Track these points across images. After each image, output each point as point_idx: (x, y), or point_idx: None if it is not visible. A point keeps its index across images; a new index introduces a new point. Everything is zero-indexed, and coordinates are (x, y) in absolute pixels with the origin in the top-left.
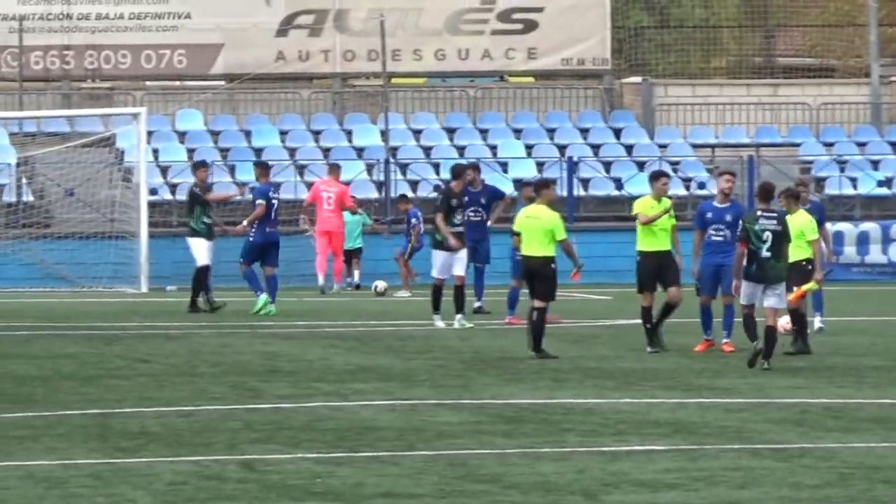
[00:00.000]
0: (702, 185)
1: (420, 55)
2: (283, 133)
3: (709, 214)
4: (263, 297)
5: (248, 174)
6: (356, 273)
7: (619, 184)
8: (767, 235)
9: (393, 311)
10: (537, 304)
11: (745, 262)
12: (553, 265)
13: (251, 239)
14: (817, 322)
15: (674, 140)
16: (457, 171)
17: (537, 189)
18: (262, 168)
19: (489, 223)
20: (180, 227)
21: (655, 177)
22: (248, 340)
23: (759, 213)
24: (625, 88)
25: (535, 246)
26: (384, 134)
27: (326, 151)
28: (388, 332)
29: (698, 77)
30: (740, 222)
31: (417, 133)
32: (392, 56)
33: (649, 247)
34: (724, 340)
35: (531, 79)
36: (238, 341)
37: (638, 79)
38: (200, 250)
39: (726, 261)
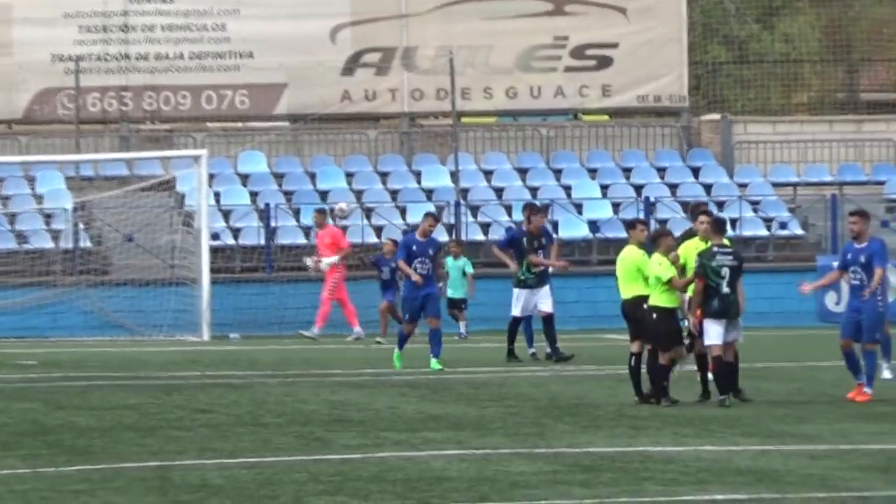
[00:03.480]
0: (783, 226)
1: (490, 93)
2: (349, 175)
3: (848, 255)
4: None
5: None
6: (462, 324)
7: None
8: (725, 271)
9: (466, 358)
10: (633, 348)
11: (705, 300)
12: (646, 305)
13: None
14: (886, 372)
15: (754, 179)
16: (535, 209)
17: (654, 239)
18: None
19: (561, 264)
20: (243, 273)
21: (632, 225)
22: (314, 389)
23: (715, 249)
24: (703, 126)
25: (623, 287)
26: (454, 175)
27: (394, 194)
28: (461, 379)
29: (779, 113)
30: (696, 257)
31: (488, 174)
32: (462, 94)
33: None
34: (864, 389)
35: (606, 117)
36: (303, 390)
37: (716, 116)
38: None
39: (864, 305)
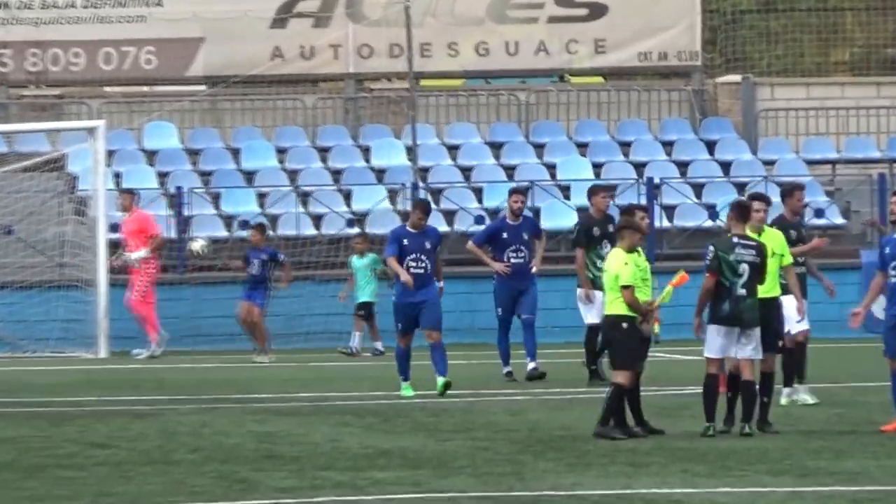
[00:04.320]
0: (819, 213)
1: (456, 50)
2: (280, 151)
3: (887, 249)
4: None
5: (236, 204)
6: (357, 336)
7: (713, 212)
8: (744, 268)
9: (422, 379)
10: (618, 379)
11: (714, 301)
12: (625, 324)
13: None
14: None
15: (783, 155)
16: (593, 190)
17: (618, 229)
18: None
19: (533, 268)
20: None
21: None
22: (237, 418)
23: (735, 239)
24: (720, 90)
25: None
26: (411, 151)
27: (337, 174)
28: (417, 404)
29: (814, 74)
30: (711, 249)
31: (454, 149)
32: (421, 51)
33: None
34: None
35: (599, 79)
36: (224, 419)
37: (736, 77)
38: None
39: None
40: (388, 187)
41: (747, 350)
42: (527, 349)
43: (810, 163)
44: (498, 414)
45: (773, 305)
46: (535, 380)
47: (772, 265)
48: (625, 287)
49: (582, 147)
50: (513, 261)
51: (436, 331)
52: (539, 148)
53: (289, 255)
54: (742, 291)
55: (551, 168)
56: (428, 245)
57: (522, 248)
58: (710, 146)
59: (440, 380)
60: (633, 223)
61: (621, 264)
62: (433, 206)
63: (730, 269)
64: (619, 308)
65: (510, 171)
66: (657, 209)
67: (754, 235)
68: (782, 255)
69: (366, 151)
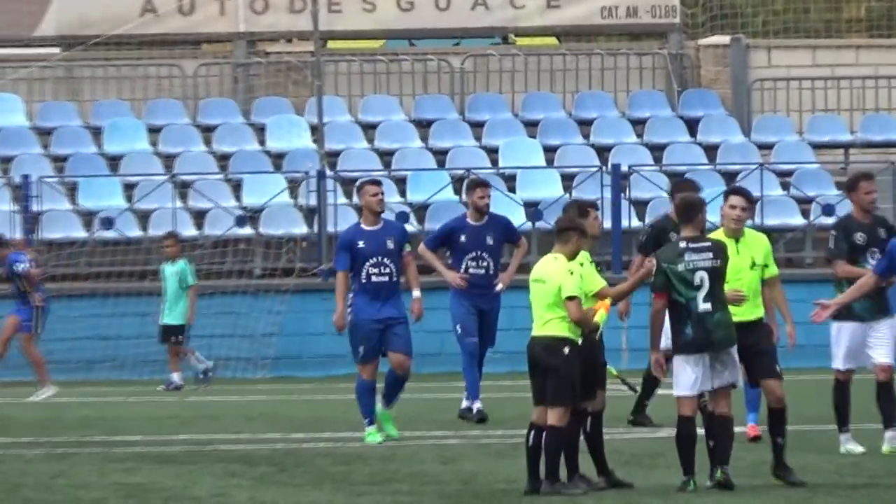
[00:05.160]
0: (829, 210)
1: (373, 4)
2: (153, 131)
3: None
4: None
5: (97, 197)
6: (177, 375)
7: None
8: (701, 277)
9: (328, 418)
10: (551, 420)
11: (673, 326)
12: (566, 349)
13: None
14: None
15: (783, 137)
16: (682, 184)
17: (560, 231)
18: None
19: (499, 286)
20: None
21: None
22: (98, 466)
23: (682, 244)
24: (703, 55)
25: (537, 323)
26: (316, 131)
27: (224, 160)
28: (325, 449)
29: (821, 35)
30: (654, 261)
31: (370, 128)
32: (328, 6)
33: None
34: None
35: (552, 40)
36: (83, 467)
37: (725, 39)
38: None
39: None
40: (288, 176)
41: (724, 377)
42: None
43: (817, 146)
44: (426, 462)
45: (756, 329)
46: (477, 421)
47: (752, 278)
48: (570, 299)
49: (530, 126)
50: (471, 271)
51: (404, 355)
52: (477, 127)
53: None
54: (705, 307)
55: (492, 153)
56: (391, 244)
57: (486, 255)
58: (692, 125)
59: (385, 413)
60: (578, 223)
61: (564, 273)
62: (343, 199)
63: (682, 282)
64: (557, 328)
65: (441, 155)
66: (625, 204)
67: (723, 238)
68: (766, 266)
69: (260, 131)
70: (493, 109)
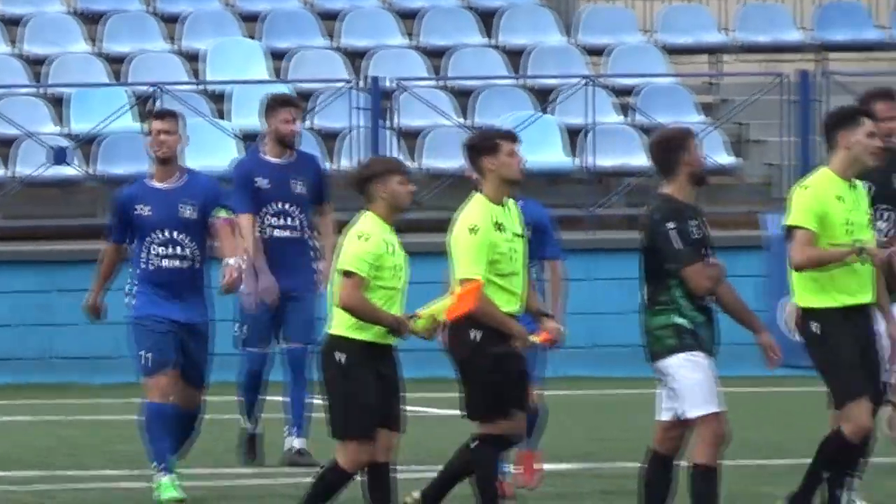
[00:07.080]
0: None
1: None
2: None
3: None
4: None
5: None
6: None
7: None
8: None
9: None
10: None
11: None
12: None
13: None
14: None
15: (621, 37)
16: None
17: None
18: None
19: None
20: None
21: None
22: None
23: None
24: None
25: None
26: None
27: None
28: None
29: None
30: (670, 226)
31: (13, 24)
32: None
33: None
34: None
35: None
36: None
37: None
38: None
39: None
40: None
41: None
42: (290, 410)
43: (672, 51)
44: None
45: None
46: (301, 466)
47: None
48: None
49: (248, 22)
50: (275, 234)
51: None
52: (169, 23)
53: None
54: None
55: (192, 60)
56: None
57: (294, 209)
58: (486, 19)
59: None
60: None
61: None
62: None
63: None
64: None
65: (116, 64)
66: (387, 135)
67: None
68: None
69: None
70: None
